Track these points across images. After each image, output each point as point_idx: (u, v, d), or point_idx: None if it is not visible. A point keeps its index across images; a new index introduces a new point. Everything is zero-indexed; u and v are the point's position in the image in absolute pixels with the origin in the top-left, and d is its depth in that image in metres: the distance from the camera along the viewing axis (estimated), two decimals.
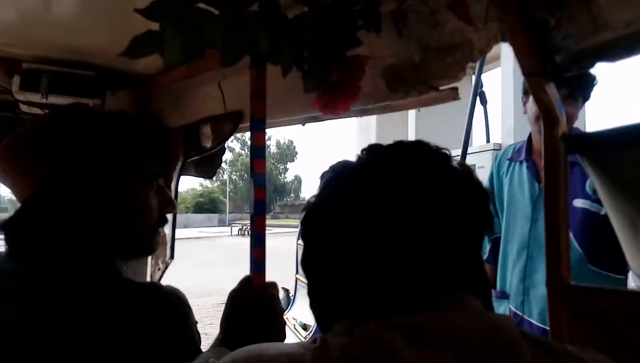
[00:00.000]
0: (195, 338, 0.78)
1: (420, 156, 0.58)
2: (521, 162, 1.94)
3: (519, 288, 1.86)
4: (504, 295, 1.92)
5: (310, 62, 0.98)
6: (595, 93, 1.80)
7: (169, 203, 0.90)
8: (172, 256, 2.05)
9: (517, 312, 1.86)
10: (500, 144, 3.44)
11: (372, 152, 0.62)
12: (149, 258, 2.07)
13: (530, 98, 1.81)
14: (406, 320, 0.49)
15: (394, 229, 0.52)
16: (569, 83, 1.73)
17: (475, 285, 0.56)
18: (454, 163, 0.59)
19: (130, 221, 0.84)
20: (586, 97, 1.81)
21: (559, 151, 0.94)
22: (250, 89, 1.03)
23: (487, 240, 2.02)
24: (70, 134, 0.79)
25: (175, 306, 0.76)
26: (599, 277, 1.73)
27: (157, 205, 0.89)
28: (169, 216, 2.07)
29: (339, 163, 0.65)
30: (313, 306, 0.62)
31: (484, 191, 0.58)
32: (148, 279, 2.06)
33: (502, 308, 1.91)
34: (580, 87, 1.78)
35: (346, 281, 0.55)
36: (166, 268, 2.04)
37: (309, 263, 0.61)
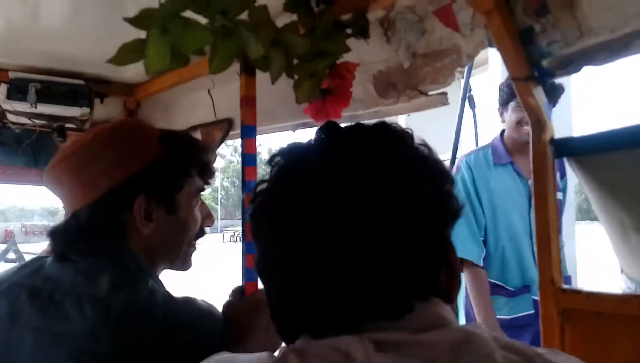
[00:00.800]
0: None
1: (384, 138, 0.52)
2: (504, 165, 2.08)
3: (533, 277, 1.96)
4: (525, 290, 2.01)
5: (300, 70, 0.98)
6: (583, 97, 1.88)
7: (208, 217, 0.94)
8: None
9: None
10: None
11: (329, 132, 0.54)
12: None
13: (510, 105, 1.99)
14: (379, 335, 0.45)
15: (360, 221, 0.46)
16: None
17: (445, 282, 0.51)
18: (418, 143, 0.53)
19: (179, 235, 0.87)
20: (554, 104, 1.90)
21: (547, 155, 0.95)
22: (240, 96, 1.03)
23: (478, 246, 2.03)
24: (131, 148, 0.81)
25: (209, 325, 0.78)
26: None
27: (200, 219, 0.92)
28: None
29: (289, 145, 0.55)
30: (274, 317, 0.54)
31: (449, 172, 0.53)
32: None
33: (523, 301, 1.99)
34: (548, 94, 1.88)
35: (308, 284, 0.48)
36: None
37: (264, 266, 0.53)
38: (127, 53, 0.87)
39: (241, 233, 1.13)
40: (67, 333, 0.70)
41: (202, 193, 0.93)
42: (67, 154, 0.80)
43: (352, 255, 0.46)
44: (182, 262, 0.91)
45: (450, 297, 0.52)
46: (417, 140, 0.54)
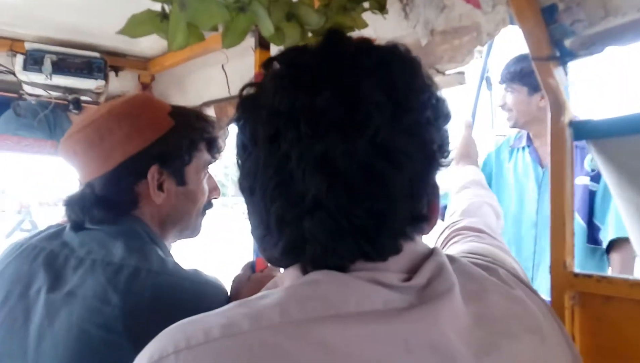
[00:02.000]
0: None
1: (395, 64, 0.47)
2: (523, 148, 2.03)
3: (528, 265, 1.94)
4: None
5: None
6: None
7: (215, 189, 0.97)
8: None
9: None
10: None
11: (336, 44, 0.48)
12: None
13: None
14: (369, 274, 0.45)
15: (357, 153, 0.43)
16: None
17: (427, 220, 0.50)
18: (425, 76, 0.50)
19: (188, 205, 0.90)
20: (534, 85, 1.83)
21: (566, 136, 0.93)
22: (254, 72, 1.02)
23: None
24: (144, 121, 0.84)
25: (213, 296, 0.79)
26: (595, 252, 1.85)
27: (208, 191, 0.95)
28: None
29: (290, 51, 0.50)
30: (260, 243, 0.50)
31: (450, 114, 0.51)
32: None
33: None
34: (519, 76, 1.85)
35: (298, 216, 0.44)
36: None
37: (253, 184, 0.47)
38: (139, 25, 0.86)
39: None
40: (79, 295, 0.74)
41: (210, 166, 0.95)
42: (83, 127, 0.83)
43: (346, 188, 0.44)
44: (191, 231, 0.94)
45: (426, 233, 0.53)
46: (424, 73, 0.50)
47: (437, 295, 0.46)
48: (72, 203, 0.84)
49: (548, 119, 0.97)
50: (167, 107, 0.88)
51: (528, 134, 2.00)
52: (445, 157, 0.50)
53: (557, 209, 0.95)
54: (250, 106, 0.48)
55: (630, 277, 0.87)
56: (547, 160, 1.87)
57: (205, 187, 0.94)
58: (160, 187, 0.84)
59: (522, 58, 1.87)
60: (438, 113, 0.49)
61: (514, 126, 1.94)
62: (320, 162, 0.43)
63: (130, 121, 0.83)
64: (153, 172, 0.83)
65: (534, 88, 1.84)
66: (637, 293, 0.85)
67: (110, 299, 0.71)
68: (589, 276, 0.93)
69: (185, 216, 0.90)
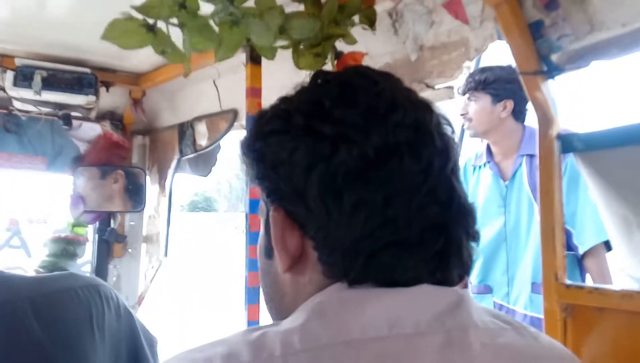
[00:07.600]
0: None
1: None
2: (484, 165, 2.05)
3: (503, 279, 1.95)
4: (487, 290, 2.00)
5: (305, 52, 0.97)
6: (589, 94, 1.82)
7: None
8: (165, 254, 2.04)
9: (503, 304, 1.94)
10: None
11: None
12: (144, 255, 2.06)
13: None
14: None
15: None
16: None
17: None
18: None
19: None
20: (497, 94, 1.85)
21: (554, 149, 0.95)
22: (245, 87, 1.03)
23: None
24: None
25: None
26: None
27: None
28: (164, 215, 2.08)
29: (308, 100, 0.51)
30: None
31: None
32: (142, 277, 2.05)
33: (485, 302, 1.97)
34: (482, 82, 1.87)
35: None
36: (160, 266, 2.03)
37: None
38: (123, 33, 0.86)
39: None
40: None
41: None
42: None
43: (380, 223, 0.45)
44: None
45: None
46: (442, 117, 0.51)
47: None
48: None
49: (536, 133, 0.98)
50: None
51: (488, 148, 2.01)
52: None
53: (547, 222, 0.96)
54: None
55: (622, 288, 0.87)
56: (509, 173, 1.93)
57: None
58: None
59: (486, 68, 1.90)
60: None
61: (473, 136, 1.95)
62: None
63: None
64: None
65: (497, 97, 1.86)
66: (629, 304, 0.85)
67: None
68: (581, 288, 0.94)
69: None
